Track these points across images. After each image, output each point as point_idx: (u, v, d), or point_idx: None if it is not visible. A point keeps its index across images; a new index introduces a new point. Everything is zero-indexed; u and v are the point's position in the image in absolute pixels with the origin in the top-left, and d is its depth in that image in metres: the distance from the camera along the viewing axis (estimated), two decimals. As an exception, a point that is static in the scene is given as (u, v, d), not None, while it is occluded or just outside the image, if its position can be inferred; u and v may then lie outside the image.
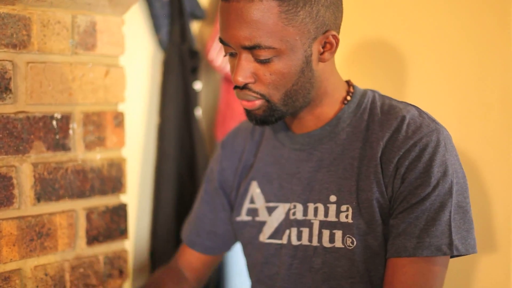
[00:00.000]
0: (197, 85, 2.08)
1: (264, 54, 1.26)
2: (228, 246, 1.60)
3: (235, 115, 2.16)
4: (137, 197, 1.97)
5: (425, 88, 1.74)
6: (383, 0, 1.87)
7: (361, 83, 1.47)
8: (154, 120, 2.02)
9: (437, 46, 1.73)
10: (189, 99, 2.02)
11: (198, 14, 2.12)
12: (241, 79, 1.29)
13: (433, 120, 1.32)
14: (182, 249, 1.62)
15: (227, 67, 2.13)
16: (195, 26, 2.17)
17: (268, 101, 1.31)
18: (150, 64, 2.02)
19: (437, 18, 1.73)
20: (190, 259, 1.59)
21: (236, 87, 1.32)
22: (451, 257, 1.29)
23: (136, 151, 1.96)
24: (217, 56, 2.11)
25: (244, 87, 1.30)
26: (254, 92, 1.30)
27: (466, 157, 1.56)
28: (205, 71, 2.20)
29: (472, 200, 1.32)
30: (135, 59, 1.93)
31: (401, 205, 1.28)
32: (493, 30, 1.61)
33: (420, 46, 1.76)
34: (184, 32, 2.03)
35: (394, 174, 1.29)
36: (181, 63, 2.01)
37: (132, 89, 1.82)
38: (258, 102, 1.31)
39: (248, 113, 1.35)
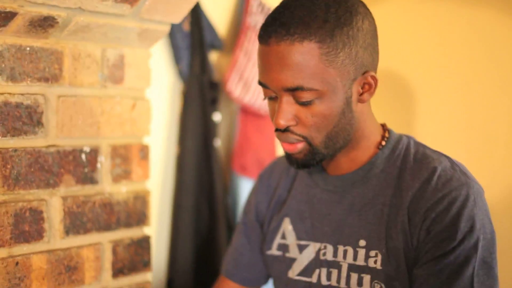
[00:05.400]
0: (217, 116, 2.09)
1: (306, 96, 1.25)
2: (266, 278, 1.59)
3: (252, 146, 2.17)
4: (155, 228, 1.97)
5: (433, 121, 1.74)
6: (392, 33, 1.88)
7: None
8: (173, 151, 2.02)
9: (446, 79, 1.74)
10: (208, 130, 2.03)
11: (217, 45, 2.13)
12: (283, 122, 1.27)
13: (464, 173, 1.30)
14: (220, 280, 1.61)
15: (245, 98, 2.14)
16: (213, 56, 2.18)
17: (309, 144, 1.30)
18: (169, 95, 2.02)
19: (445, 51, 1.74)
20: None
21: (277, 130, 1.31)
22: None
23: (155, 182, 1.96)
24: (236, 87, 2.12)
25: (286, 129, 1.29)
26: (296, 134, 1.29)
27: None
28: (223, 101, 2.21)
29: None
30: (155, 90, 1.93)
31: (425, 257, 1.27)
32: (504, 64, 1.63)
33: (428, 79, 1.77)
34: (204, 63, 2.04)
35: (420, 225, 1.28)
36: (201, 94, 2.02)
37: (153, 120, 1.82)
38: (300, 146, 1.31)
39: (289, 157, 1.34)
